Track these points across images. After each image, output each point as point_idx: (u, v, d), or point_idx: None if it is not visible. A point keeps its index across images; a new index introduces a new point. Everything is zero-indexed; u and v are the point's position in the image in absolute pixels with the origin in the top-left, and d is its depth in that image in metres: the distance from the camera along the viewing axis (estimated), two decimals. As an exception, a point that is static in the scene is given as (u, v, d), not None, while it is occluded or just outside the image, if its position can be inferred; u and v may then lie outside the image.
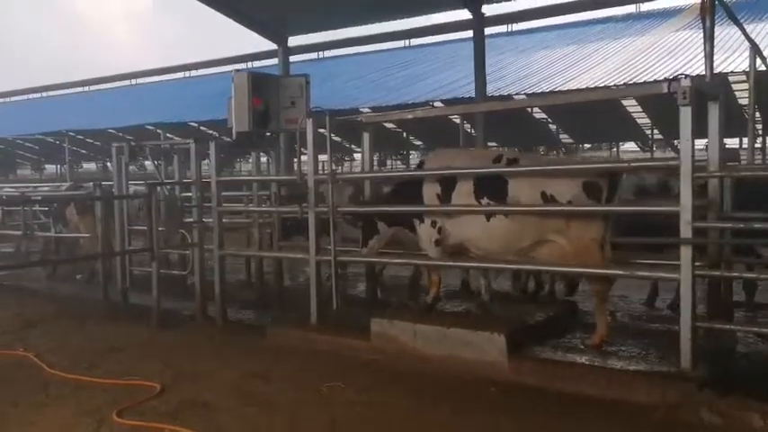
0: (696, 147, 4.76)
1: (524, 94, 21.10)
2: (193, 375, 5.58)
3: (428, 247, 6.31)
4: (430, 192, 6.20)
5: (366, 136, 7.42)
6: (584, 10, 22.74)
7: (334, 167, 6.81)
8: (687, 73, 16.48)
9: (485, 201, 5.81)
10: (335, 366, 5.68)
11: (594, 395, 4.76)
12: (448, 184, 6.06)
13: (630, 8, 28.20)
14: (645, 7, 28.25)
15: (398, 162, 37.99)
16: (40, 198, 12.17)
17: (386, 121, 22.16)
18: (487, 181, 5.80)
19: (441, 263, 6.43)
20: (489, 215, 5.73)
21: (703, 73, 5.97)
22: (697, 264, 4.74)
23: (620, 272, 5.36)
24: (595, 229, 5.33)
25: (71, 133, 32.59)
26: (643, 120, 28.05)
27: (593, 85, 19.45)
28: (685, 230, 4.65)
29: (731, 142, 20.85)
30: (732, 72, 17.40)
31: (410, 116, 8.29)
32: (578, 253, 5.35)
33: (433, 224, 6.16)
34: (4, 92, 52.39)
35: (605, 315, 5.68)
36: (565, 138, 32.66)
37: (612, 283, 5.75)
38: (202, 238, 7.72)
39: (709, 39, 5.71)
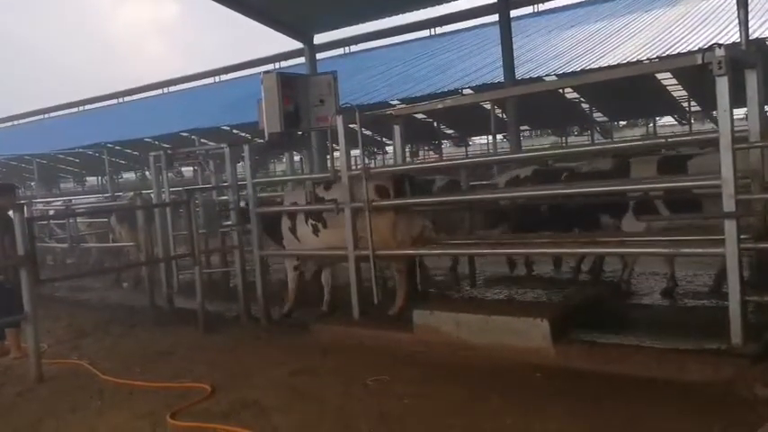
0: (736, 116, 4.65)
1: (554, 75, 20.80)
2: (242, 375, 5.67)
3: (288, 270, 7.86)
4: (284, 225, 7.64)
5: (397, 129, 7.42)
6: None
7: (366, 162, 6.88)
8: (722, 41, 16.05)
9: (310, 222, 7.31)
10: (380, 360, 5.71)
11: (644, 376, 4.69)
12: (293, 216, 7.56)
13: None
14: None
15: (431, 152, 37.88)
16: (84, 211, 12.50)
17: (416, 113, 22.08)
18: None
19: (480, 252, 6.43)
20: (315, 230, 7.27)
21: (739, 40, 5.82)
22: (743, 237, 4.63)
23: (665, 250, 5.26)
24: (386, 222, 6.63)
25: (109, 145, 33.31)
26: (679, 92, 27.38)
27: (624, 61, 19.04)
28: (728, 204, 4.54)
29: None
30: (770, 37, 16.84)
31: (440, 106, 8.21)
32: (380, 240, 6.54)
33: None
34: (43, 108, 53.89)
35: (405, 289, 6.90)
36: (599, 116, 32.08)
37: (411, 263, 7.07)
38: (242, 241, 7.84)
39: (743, 5, 5.55)
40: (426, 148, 37.89)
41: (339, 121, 6.72)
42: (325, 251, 7.37)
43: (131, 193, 12.26)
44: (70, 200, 16.04)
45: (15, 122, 55.01)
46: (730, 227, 4.57)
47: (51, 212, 12.98)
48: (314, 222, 7.32)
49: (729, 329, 4.62)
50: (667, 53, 18.61)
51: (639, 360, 4.85)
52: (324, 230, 7.27)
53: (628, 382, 4.67)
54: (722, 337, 4.68)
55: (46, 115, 53.68)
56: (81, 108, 51.72)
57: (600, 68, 18.81)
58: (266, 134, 7.75)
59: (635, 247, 5.90)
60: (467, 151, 37.94)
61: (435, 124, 33.25)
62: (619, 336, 5.31)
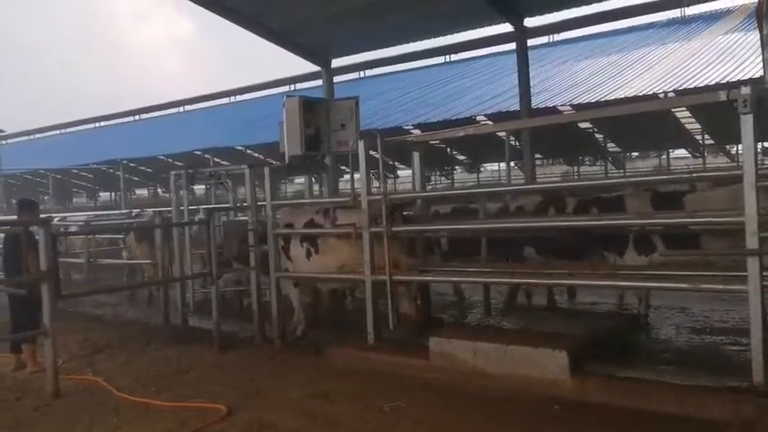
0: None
1: (569, 105, 20.87)
2: (257, 396, 5.68)
3: (289, 289, 7.87)
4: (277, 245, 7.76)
5: (416, 155, 7.47)
6: (627, 17, 22.50)
7: (377, 186, 6.99)
8: (739, 77, 16.07)
9: (305, 245, 7.49)
10: (396, 385, 5.70)
11: (663, 411, 4.66)
12: (286, 238, 7.73)
13: (674, 13, 27.77)
14: (690, 11, 27.73)
15: (443, 178, 37.97)
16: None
17: (436, 140, 22.17)
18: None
19: (493, 281, 6.42)
20: (308, 254, 7.48)
21: (757, 76, 5.87)
22: (766, 274, 4.62)
23: (685, 285, 5.25)
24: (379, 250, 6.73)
25: (125, 161, 33.65)
26: (693, 125, 27.39)
27: (640, 94, 19.10)
28: (752, 241, 4.54)
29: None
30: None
31: (461, 134, 8.29)
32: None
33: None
34: (60, 124, 54.53)
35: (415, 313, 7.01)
36: (612, 147, 32.10)
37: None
38: (259, 261, 7.88)
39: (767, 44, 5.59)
40: (438, 173, 37.98)
41: (361, 145, 6.79)
42: (337, 275, 7.40)
43: (150, 211, 12.36)
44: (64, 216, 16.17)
45: (32, 137, 55.65)
46: (753, 264, 4.56)
47: (72, 228, 13.06)
48: (308, 246, 7.52)
49: (751, 367, 4.59)
50: (683, 87, 18.62)
51: (659, 396, 4.81)
52: (315, 255, 7.46)
53: (646, 417, 4.65)
54: (743, 374, 4.65)
55: (63, 130, 54.30)
56: (97, 124, 52.30)
57: (616, 100, 18.89)
58: (287, 157, 7.85)
59: (654, 282, 5.87)
60: (479, 178, 38.03)
61: (448, 150, 33.37)
62: (637, 370, 5.28)
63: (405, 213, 7.26)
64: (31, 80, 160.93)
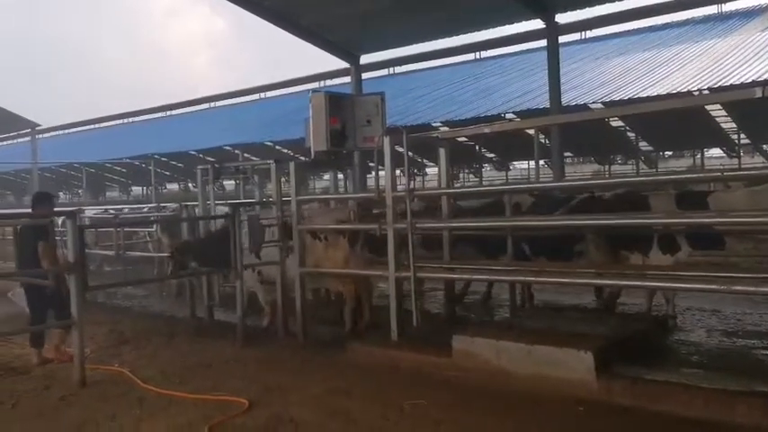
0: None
1: (601, 102, 20.56)
2: (279, 391, 5.68)
3: (255, 286, 8.22)
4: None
5: (442, 151, 7.41)
6: (662, 13, 22.03)
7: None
8: (777, 74, 15.60)
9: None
10: (417, 383, 5.66)
11: (690, 416, 4.55)
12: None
13: (711, 9, 27.13)
14: (726, 8, 27.10)
15: (471, 176, 37.73)
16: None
17: (462, 137, 22.04)
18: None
19: (518, 279, 6.34)
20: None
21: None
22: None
23: (716, 286, 5.11)
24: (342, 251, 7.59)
25: (156, 156, 34.08)
26: (728, 124, 26.76)
27: (674, 92, 18.71)
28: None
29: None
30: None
31: (487, 130, 8.17)
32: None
33: (253, 269, 8.07)
34: (94, 119, 55.51)
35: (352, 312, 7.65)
36: (644, 145, 31.52)
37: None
38: (284, 256, 7.90)
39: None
40: (467, 170, 37.76)
41: (386, 141, 6.75)
42: (360, 272, 7.40)
43: (173, 206, 12.52)
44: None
45: (67, 131, 56.77)
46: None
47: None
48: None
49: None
50: (719, 85, 18.18)
51: (686, 399, 4.70)
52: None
53: (673, 421, 4.54)
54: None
55: (96, 125, 55.27)
56: (130, 120, 53.13)
57: (649, 98, 18.54)
58: (312, 152, 7.85)
59: (685, 283, 5.73)
60: (507, 176, 37.71)
61: (477, 147, 33.14)
62: (664, 372, 5.16)
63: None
64: (65, 75, 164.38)
